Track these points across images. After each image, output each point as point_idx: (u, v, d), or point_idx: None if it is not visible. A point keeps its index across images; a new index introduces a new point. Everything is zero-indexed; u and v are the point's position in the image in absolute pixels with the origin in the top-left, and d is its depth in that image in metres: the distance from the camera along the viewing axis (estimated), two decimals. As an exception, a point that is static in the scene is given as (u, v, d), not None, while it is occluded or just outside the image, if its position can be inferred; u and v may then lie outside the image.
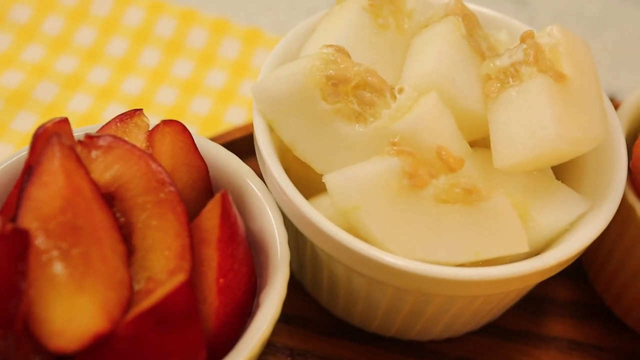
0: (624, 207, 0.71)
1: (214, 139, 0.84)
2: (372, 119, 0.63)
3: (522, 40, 0.67)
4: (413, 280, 0.60)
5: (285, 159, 0.69)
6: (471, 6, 0.77)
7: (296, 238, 0.70)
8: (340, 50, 0.66)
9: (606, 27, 1.20)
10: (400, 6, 0.73)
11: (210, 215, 0.58)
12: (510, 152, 0.63)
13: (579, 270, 0.85)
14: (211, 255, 0.57)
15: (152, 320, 0.52)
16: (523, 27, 0.77)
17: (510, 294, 0.67)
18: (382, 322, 0.72)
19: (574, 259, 0.64)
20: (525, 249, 0.62)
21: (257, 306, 0.60)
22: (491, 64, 0.67)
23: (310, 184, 0.68)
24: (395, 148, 0.61)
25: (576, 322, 0.81)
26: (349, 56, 0.67)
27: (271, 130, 0.67)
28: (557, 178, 0.75)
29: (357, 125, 0.64)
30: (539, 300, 0.82)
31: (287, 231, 0.65)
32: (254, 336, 0.57)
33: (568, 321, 0.81)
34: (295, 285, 0.79)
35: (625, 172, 0.68)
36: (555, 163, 0.67)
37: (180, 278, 0.52)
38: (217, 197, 0.58)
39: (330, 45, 0.66)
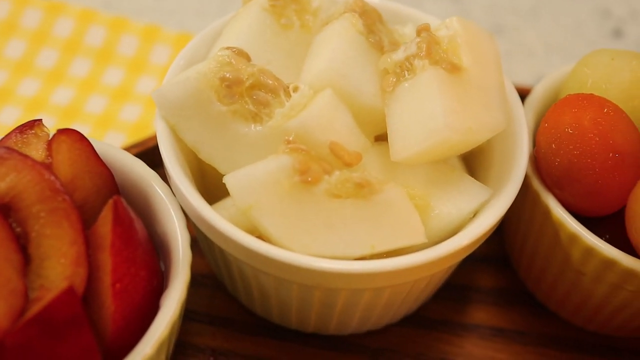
0: (530, 194, 0.72)
1: (137, 145, 0.85)
2: (267, 119, 0.64)
3: (418, 33, 0.68)
4: (310, 276, 0.61)
5: (202, 162, 0.70)
6: (378, 1, 0.78)
7: (207, 240, 0.71)
8: (238, 52, 0.67)
9: (540, 17, 1.21)
10: (305, 6, 0.74)
11: (104, 221, 0.59)
12: (404, 144, 0.64)
13: (504, 258, 0.86)
14: (106, 261, 0.58)
15: (38, 328, 0.52)
16: (431, 20, 0.77)
17: (418, 283, 0.68)
18: (298, 319, 0.72)
19: (473, 247, 0.65)
20: (422, 239, 0.63)
21: (159, 308, 0.61)
22: (388, 59, 0.67)
23: (224, 186, 0.69)
24: (289, 146, 0.62)
25: (500, 309, 0.82)
26: (247, 58, 0.67)
27: (176, 134, 0.68)
28: (468, 168, 0.76)
29: (253, 125, 0.64)
30: (463, 289, 0.83)
31: (201, 234, 0.65)
32: (151, 338, 0.58)
33: (492, 308, 0.82)
34: (218, 286, 0.80)
35: (525, 160, 0.69)
36: (455, 153, 0.68)
37: (63, 285, 0.52)
38: (110, 203, 0.59)
39: (228, 48, 0.67)
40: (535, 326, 0.80)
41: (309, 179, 0.60)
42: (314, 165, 0.61)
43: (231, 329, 0.77)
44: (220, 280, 0.79)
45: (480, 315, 0.81)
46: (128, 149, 0.84)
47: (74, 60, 1.02)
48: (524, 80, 1.07)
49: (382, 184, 0.62)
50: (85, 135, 0.94)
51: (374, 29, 0.71)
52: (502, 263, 0.85)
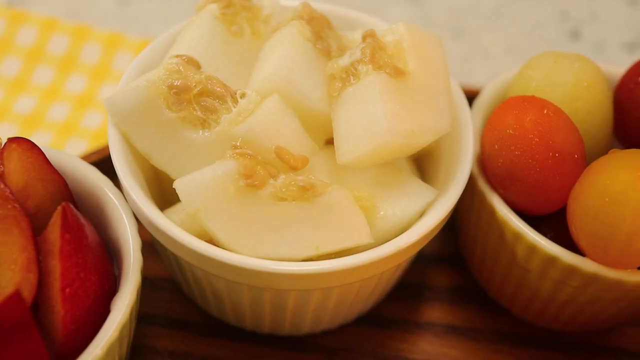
0: (477, 194, 0.74)
1: (97, 152, 0.87)
2: (214, 124, 0.65)
3: (363, 39, 0.70)
4: (257, 277, 0.62)
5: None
6: (329, 7, 0.80)
7: (160, 245, 0.72)
8: (188, 60, 0.68)
9: (500, 19, 1.23)
10: (256, 13, 0.76)
11: (53, 227, 0.60)
12: (349, 148, 0.65)
13: (458, 257, 0.88)
14: (55, 266, 0.59)
15: (-15, 333, 0.53)
16: (381, 26, 0.79)
17: (366, 283, 0.69)
18: (253, 320, 0.74)
19: (418, 246, 0.67)
20: (366, 240, 0.64)
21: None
22: (335, 64, 0.69)
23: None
24: (236, 151, 0.63)
25: (454, 307, 0.83)
26: (197, 65, 0.69)
27: (129, 141, 0.69)
28: (419, 169, 0.78)
29: (201, 131, 0.66)
30: (418, 288, 0.85)
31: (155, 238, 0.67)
32: (101, 341, 0.59)
33: (446, 306, 0.83)
34: (177, 290, 0.81)
35: (470, 161, 0.71)
36: (400, 155, 0.70)
37: (8, 290, 0.54)
38: (59, 209, 0.60)
39: (178, 56, 0.68)
40: (487, 323, 0.82)
41: (255, 183, 0.62)
42: (260, 170, 0.62)
43: (189, 332, 0.78)
44: (178, 284, 0.80)
45: (435, 313, 0.83)
46: (88, 156, 0.86)
47: (36, 69, 1.03)
48: (483, 83, 1.09)
49: (325, 186, 0.63)
50: (47, 143, 0.96)
51: (323, 35, 0.73)
52: (457, 262, 0.87)
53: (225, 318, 0.77)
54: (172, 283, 0.82)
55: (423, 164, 0.79)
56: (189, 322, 0.79)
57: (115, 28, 1.11)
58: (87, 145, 0.96)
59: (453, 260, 0.88)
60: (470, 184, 0.75)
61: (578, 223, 0.66)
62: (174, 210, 0.69)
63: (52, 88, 1.02)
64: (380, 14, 1.23)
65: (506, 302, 0.81)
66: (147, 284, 0.82)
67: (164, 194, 0.74)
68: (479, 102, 0.80)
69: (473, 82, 1.07)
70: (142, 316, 0.79)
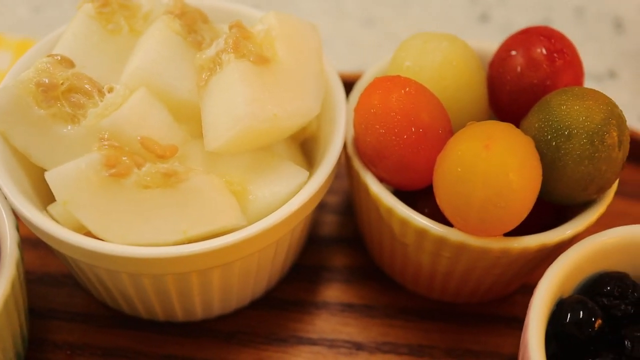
0: (353, 173, 0.77)
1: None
2: (83, 119, 0.68)
3: (229, 29, 0.72)
4: (129, 264, 0.65)
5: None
6: (208, 2, 0.82)
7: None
8: (62, 59, 0.71)
9: (410, 7, 1.26)
10: (134, 12, 0.78)
11: None
12: (214, 135, 0.68)
13: (358, 238, 0.90)
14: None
15: None
16: (256, 16, 0.81)
17: (245, 264, 0.71)
18: (144, 309, 0.76)
19: (287, 226, 0.69)
20: (234, 221, 0.67)
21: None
22: (203, 56, 0.71)
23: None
24: (102, 143, 0.65)
25: (350, 286, 0.86)
26: (70, 64, 0.71)
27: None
28: (305, 154, 0.81)
29: (70, 126, 0.68)
30: (316, 270, 0.87)
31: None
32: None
33: (343, 286, 0.86)
34: (78, 285, 0.83)
35: (340, 142, 0.74)
36: (272, 140, 0.72)
37: None
38: None
39: (50, 55, 0.70)
40: (383, 299, 0.85)
41: (118, 172, 0.64)
42: (125, 160, 0.65)
43: (88, 324, 0.80)
44: (75, 279, 0.82)
45: (332, 293, 0.85)
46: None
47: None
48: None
49: (188, 172, 0.66)
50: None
51: (196, 28, 0.75)
52: (356, 243, 0.90)
53: (120, 309, 0.79)
54: (73, 278, 0.84)
55: (308, 148, 0.82)
56: (88, 315, 0.81)
57: (28, 35, 1.13)
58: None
59: (352, 241, 0.90)
60: (348, 164, 0.77)
61: (440, 194, 0.69)
62: (55, 204, 0.71)
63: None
64: (293, 6, 1.26)
65: (399, 278, 0.84)
66: (49, 279, 0.84)
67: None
68: (359, 85, 0.82)
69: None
70: (42, 311, 0.81)
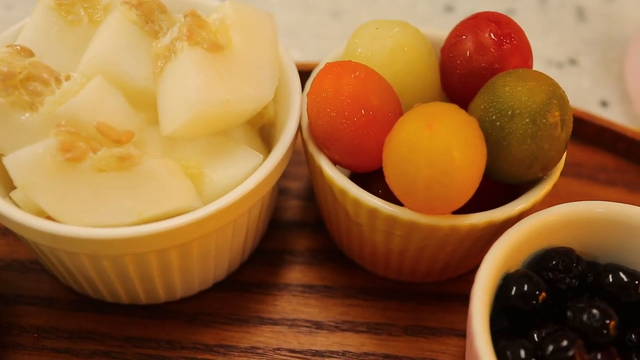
0: (308, 157, 0.79)
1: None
2: (40, 107, 0.70)
3: (184, 18, 0.74)
4: (87, 245, 0.67)
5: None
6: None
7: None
8: (21, 49, 0.73)
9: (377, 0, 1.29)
10: (94, 3, 0.80)
11: None
12: (169, 120, 0.70)
13: (320, 222, 0.92)
14: None
15: None
16: (214, 5, 0.84)
17: (204, 244, 0.74)
18: (108, 291, 0.78)
19: (240, 207, 0.72)
20: (188, 202, 0.69)
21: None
22: (159, 44, 0.74)
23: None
24: (59, 129, 0.67)
25: (312, 268, 0.88)
26: (29, 53, 0.73)
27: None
28: (264, 139, 0.83)
29: (29, 113, 0.70)
30: (278, 253, 0.89)
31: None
32: None
33: (304, 268, 0.88)
34: (46, 271, 0.86)
35: (293, 127, 0.77)
36: (228, 124, 0.74)
37: None
38: None
39: (9, 45, 0.73)
40: (342, 280, 0.87)
41: (74, 157, 0.66)
42: (81, 145, 0.67)
43: (54, 308, 0.83)
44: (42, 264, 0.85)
45: (293, 275, 0.88)
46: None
47: None
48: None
49: (141, 155, 0.68)
50: None
51: (153, 18, 0.77)
52: (318, 227, 0.92)
53: (85, 292, 0.81)
54: (40, 264, 0.86)
55: (267, 134, 0.84)
56: (54, 299, 0.83)
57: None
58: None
59: (314, 225, 0.93)
60: (305, 149, 0.80)
61: (389, 174, 0.71)
62: (17, 190, 0.73)
63: None
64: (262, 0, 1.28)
65: (358, 259, 0.87)
66: (17, 266, 0.86)
67: None
68: (315, 72, 0.85)
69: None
70: (10, 296, 0.83)
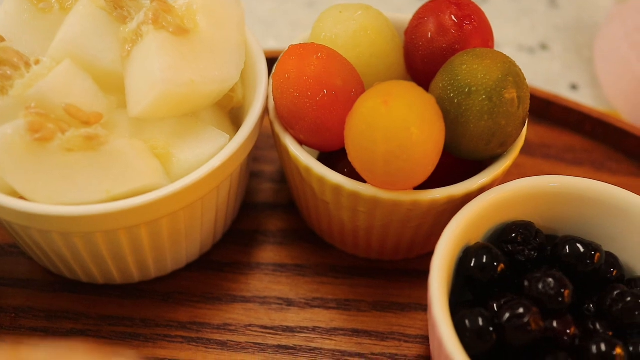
0: (276, 137, 0.82)
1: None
2: (10, 90, 0.72)
3: (151, 2, 0.77)
4: (57, 223, 0.69)
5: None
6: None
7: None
8: (-7, 36, 0.75)
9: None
10: (65, -9, 0.82)
11: None
12: (135, 101, 0.72)
13: (292, 203, 0.95)
14: None
15: None
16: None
17: (173, 222, 0.76)
18: (82, 271, 0.81)
19: (207, 185, 0.74)
20: (155, 180, 0.71)
21: None
22: (126, 29, 0.76)
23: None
24: (29, 111, 0.70)
25: (284, 248, 0.91)
26: (1, 39, 0.75)
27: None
28: (234, 122, 0.86)
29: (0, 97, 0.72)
30: (251, 234, 0.92)
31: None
32: None
33: (276, 248, 0.91)
34: (24, 254, 0.88)
35: (258, 108, 0.79)
36: (195, 105, 0.76)
37: None
38: None
39: (-20, 32, 0.75)
40: (313, 259, 0.89)
41: (42, 137, 0.68)
42: (50, 126, 0.69)
43: (31, 289, 0.85)
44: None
45: (265, 254, 0.90)
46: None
47: None
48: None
49: (108, 135, 0.70)
50: None
51: (122, 4, 0.79)
52: (290, 208, 0.95)
53: (61, 273, 0.83)
54: (18, 248, 0.88)
55: (237, 116, 0.87)
56: (32, 281, 0.86)
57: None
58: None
59: (286, 207, 0.95)
60: (272, 129, 0.82)
61: (350, 151, 0.73)
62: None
63: None
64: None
65: (328, 237, 0.89)
66: (-4, 250, 0.88)
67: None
68: (281, 55, 0.87)
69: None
70: (-12, 279, 0.85)
